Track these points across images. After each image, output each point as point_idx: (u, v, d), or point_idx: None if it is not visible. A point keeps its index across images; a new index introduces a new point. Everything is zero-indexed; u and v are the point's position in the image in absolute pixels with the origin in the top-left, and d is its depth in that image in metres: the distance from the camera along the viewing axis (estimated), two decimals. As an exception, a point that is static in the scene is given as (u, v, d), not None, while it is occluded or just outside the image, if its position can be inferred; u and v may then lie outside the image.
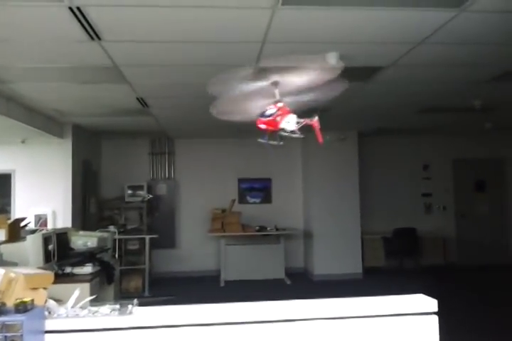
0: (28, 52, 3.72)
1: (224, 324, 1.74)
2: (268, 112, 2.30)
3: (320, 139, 2.44)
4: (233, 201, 8.21)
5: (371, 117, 7.10)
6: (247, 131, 8.04)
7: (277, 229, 8.09)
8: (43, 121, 6.23)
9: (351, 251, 8.14)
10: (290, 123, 2.29)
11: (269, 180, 8.95)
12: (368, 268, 8.23)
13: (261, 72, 2.26)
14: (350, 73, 4.48)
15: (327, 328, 1.81)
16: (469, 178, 9.27)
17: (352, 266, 8.08)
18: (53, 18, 2.99)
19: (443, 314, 1.89)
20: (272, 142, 2.43)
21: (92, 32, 3.21)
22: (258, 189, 8.95)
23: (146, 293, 6.93)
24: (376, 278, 7.82)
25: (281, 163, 8.90)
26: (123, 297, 5.58)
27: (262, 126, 2.29)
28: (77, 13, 2.90)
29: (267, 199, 8.97)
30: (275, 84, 2.27)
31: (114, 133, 8.06)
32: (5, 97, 5.08)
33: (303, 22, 3.16)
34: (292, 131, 2.32)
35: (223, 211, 8.15)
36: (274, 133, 2.36)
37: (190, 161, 8.75)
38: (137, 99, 5.40)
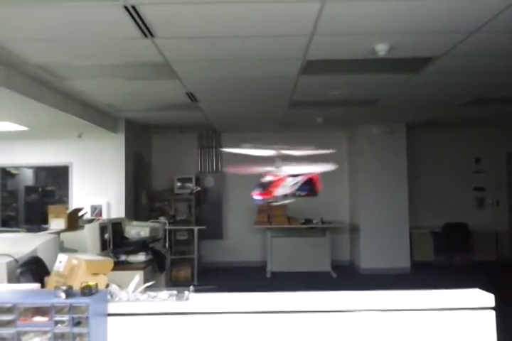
0: (83, 50, 3.89)
1: (278, 312, 1.79)
2: (265, 181, 2.51)
3: (317, 190, 2.78)
4: (279, 194, 8.25)
5: (420, 109, 6.94)
6: (291, 125, 8.08)
7: (323, 222, 8.08)
8: (97, 116, 6.49)
9: (399, 246, 8.01)
10: (285, 187, 2.52)
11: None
12: (416, 263, 8.09)
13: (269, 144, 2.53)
14: (400, 64, 4.43)
15: (380, 320, 1.82)
16: (525, 172, 8.89)
17: (400, 260, 7.95)
18: (108, 17, 3.12)
19: (499, 309, 1.85)
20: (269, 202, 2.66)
21: (145, 29, 3.32)
22: (304, 182, 8.93)
23: (195, 282, 7.12)
24: (425, 273, 7.66)
25: (327, 156, 8.85)
26: (173, 285, 5.75)
27: (258, 198, 2.52)
28: (132, 11, 3.01)
29: (312, 192, 8.95)
30: (279, 155, 2.53)
31: (163, 127, 8.27)
32: (62, 93, 5.33)
33: (352, 13, 3.14)
34: (285, 196, 2.58)
35: (269, 203, 8.21)
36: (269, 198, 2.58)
37: (237, 154, 8.85)
38: (186, 93, 5.53)
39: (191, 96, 5.67)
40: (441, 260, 8.27)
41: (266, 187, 2.49)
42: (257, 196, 2.50)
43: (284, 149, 2.49)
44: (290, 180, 2.55)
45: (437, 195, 8.72)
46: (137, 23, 3.21)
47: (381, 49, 3.77)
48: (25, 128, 6.46)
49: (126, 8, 2.95)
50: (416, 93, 5.73)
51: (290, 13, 3.12)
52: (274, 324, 1.80)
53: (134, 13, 3.03)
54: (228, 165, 2.88)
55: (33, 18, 3.12)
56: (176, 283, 6.59)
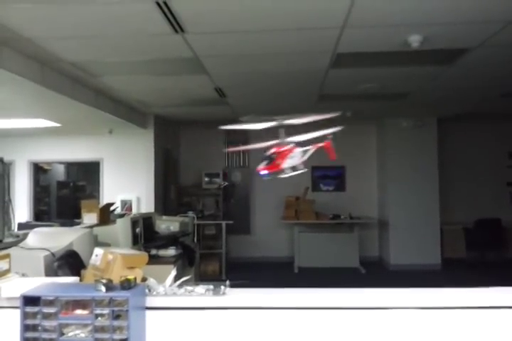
0: (115, 47, 3.92)
1: (314, 308, 1.78)
2: (270, 154, 2.39)
3: (333, 157, 2.57)
4: (306, 189, 8.21)
5: (452, 102, 6.77)
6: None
7: (351, 218, 8.01)
8: (128, 112, 6.57)
9: (429, 242, 7.88)
10: (294, 158, 2.37)
11: (342, 167, 8.85)
12: (447, 260, 7.94)
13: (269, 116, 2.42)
14: (433, 56, 4.33)
15: (416, 318, 1.78)
16: (561, 166, 8.59)
17: (430, 256, 7.82)
18: (140, 13, 3.13)
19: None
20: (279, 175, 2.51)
21: (176, 25, 3.33)
22: (331, 177, 8.88)
23: (223, 277, 7.16)
24: (456, 270, 7.52)
25: (355, 151, 8.77)
26: (202, 279, 5.79)
27: (264, 172, 2.37)
28: (164, 7, 3.02)
29: (340, 187, 8.89)
30: (281, 125, 2.42)
31: (192, 123, 8.32)
32: (94, 90, 5.42)
33: (385, 4, 3.07)
34: (294, 168, 2.39)
35: (297, 198, 8.18)
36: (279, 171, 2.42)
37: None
38: (215, 89, 5.54)
39: (220, 91, 5.68)
40: (473, 257, 8.09)
41: (272, 161, 2.36)
42: (263, 171, 2.36)
43: (286, 119, 2.39)
44: (298, 151, 2.41)
45: (469, 190, 8.54)
46: (168, 19, 3.22)
47: (414, 40, 3.68)
48: (58, 125, 6.59)
49: (157, 3, 2.96)
50: (449, 86, 5.60)
51: (321, 6, 3.08)
52: (311, 319, 1.79)
53: (165, 8, 3.04)
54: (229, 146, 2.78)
55: (66, 15, 3.16)
56: (204, 278, 6.64)
